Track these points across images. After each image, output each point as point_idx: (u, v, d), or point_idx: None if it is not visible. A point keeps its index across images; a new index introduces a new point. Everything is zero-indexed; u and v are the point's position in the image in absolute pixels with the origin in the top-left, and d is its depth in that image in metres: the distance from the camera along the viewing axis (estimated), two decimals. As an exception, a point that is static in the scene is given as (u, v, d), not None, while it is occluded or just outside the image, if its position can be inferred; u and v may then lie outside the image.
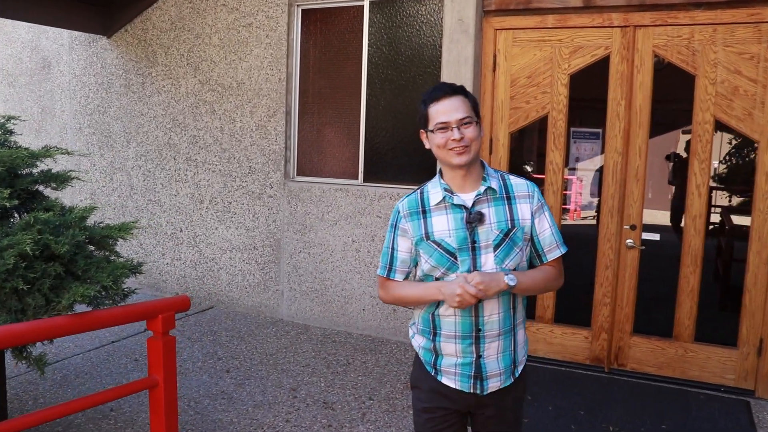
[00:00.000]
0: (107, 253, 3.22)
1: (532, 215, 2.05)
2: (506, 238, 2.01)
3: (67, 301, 2.73)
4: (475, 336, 2.03)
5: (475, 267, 1.99)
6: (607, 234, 4.55)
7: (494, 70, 4.72)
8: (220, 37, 5.64)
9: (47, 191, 3.75)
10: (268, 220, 5.56)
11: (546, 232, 2.07)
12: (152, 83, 6.07)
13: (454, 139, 1.97)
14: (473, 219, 1.99)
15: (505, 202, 2.04)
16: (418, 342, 2.15)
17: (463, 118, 1.98)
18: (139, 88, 6.16)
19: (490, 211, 2.02)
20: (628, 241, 4.47)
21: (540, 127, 4.71)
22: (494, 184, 2.04)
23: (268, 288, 5.64)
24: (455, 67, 4.70)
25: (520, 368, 2.12)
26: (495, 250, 2.00)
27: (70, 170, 3.53)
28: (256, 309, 5.72)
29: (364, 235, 5.14)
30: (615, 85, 4.42)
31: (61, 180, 3.30)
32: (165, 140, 6.06)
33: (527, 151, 5.06)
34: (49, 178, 3.30)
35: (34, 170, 3.31)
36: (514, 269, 2.02)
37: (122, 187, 6.42)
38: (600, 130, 4.66)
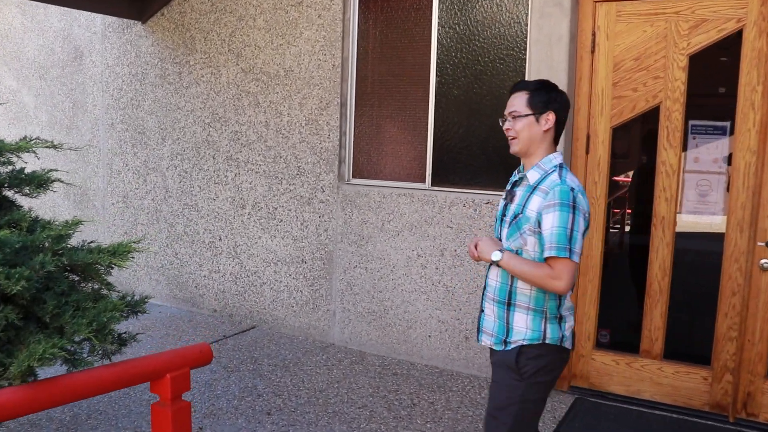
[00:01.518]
0: (97, 286, 2.48)
1: (540, 210, 2.23)
2: (514, 220, 2.32)
3: (19, 368, 1.95)
4: (483, 292, 2.49)
5: (499, 235, 2.44)
6: (734, 253, 3.80)
7: (593, 51, 4.03)
8: (265, 19, 5.11)
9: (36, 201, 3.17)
10: (319, 229, 4.99)
11: (547, 231, 2.20)
12: (190, 73, 5.59)
13: (506, 129, 2.40)
14: (506, 196, 2.44)
15: (530, 191, 2.30)
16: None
17: (512, 111, 2.36)
18: (176, 78, 5.69)
19: (518, 194, 2.35)
20: (762, 261, 3.72)
21: (648, 119, 4.00)
22: (531, 174, 2.34)
23: (317, 307, 5.07)
24: (545, 48, 4.03)
25: (511, 345, 2.33)
26: (508, 227, 2.35)
27: (50, 170, 2.85)
28: (304, 331, 5.16)
29: (432, 249, 4.51)
30: (749, 67, 3.67)
31: (38, 183, 2.64)
32: (203, 137, 5.57)
33: (633, 149, 4.34)
34: (20, 180, 2.59)
35: (3, 169, 2.64)
36: (516, 251, 2.32)
37: (156, 189, 5.96)
38: (727, 124, 3.91)
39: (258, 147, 5.25)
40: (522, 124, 2.32)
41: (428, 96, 4.54)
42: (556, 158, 2.35)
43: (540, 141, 2.34)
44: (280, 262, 5.23)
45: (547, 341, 2.30)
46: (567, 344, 2.36)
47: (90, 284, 2.43)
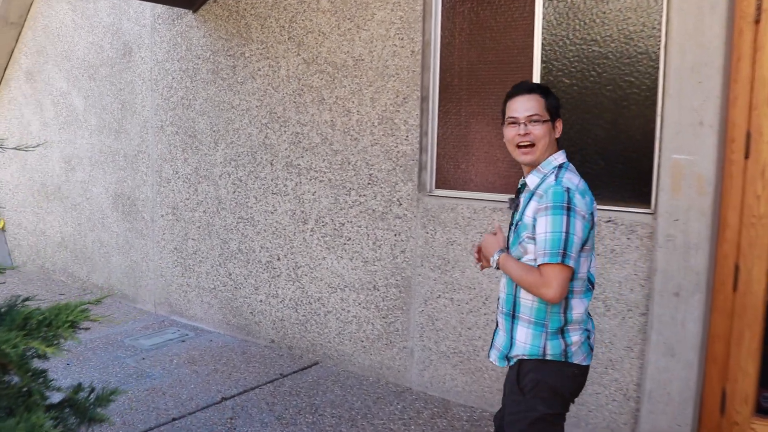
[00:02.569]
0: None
1: (534, 215, 2.16)
2: (515, 228, 2.28)
3: None
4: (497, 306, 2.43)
5: (507, 243, 2.34)
6: None
7: (757, 21, 3.11)
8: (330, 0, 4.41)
9: None
10: (395, 249, 4.23)
11: (540, 236, 2.12)
12: (245, 66, 4.96)
13: (519, 134, 2.24)
14: (509, 204, 2.41)
15: (530, 196, 2.23)
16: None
17: (531, 115, 2.22)
18: (230, 73, 5.07)
19: (521, 201, 2.30)
20: None
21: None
22: (531, 180, 2.26)
23: (392, 344, 4.30)
24: (693, 19, 3.13)
25: (512, 361, 2.27)
26: (512, 236, 2.29)
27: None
28: (375, 371, 4.40)
29: (535, 277, 3.68)
30: None
31: None
32: (260, 140, 4.92)
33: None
34: None
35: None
36: (519, 258, 2.24)
37: (208, 200, 5.36)
38: None
39: (322, 151, 4.55)
40: (543, 130, 2.24)
41: (531, 86, 3.71)
42: (557, 159, 2.28)
43: (550, 146, 2.28)
44: (347, 287, 4.50)
45: (547, 357, 2.21)
46: (576, 360, 2.23)
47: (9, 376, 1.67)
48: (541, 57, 3.67)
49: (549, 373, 2.20)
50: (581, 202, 2.12)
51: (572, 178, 2.19)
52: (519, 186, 2.35)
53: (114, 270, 6.42)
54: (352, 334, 4.51)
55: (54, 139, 7.06)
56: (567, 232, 2.07)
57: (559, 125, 2.30)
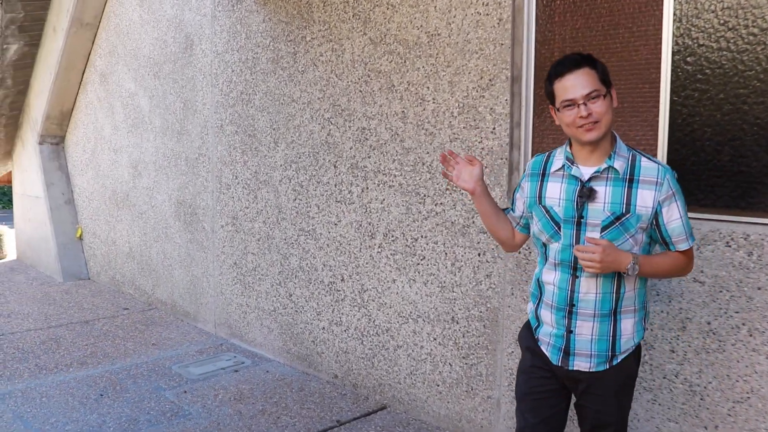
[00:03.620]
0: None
1: (658, 204, 2.02)
2: (617, 221, 2.03)
3: None
4: (569, 310, 2.12)
5: (577, 242, 2.07)
6: None
7: None
8: (403, -35, 3.66)
9: None
10: (478, 272, 3.40)
11: (675, 222, 2.03)
12: (306, 52, 4.30)
13: (581, 116, 1.99)
14: (584, 194, 2.05)
15: (626, 184, 2.03)
16: (528, 307, 2.29)
17: (590, 93, 1.98)
18: (290, 61, 4.44)
19: (606, 191, 2.04)
20: None
21: None
22: (618, 164, 2.04)
23: (473, 391, 3.47)
24: None
25: (620, 358, 2.12)
26: (602, 231, 2.04)
27: None
28: (453, 423, 3.58)
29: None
30: None
31: None
32: (322, 137, 4.24)
33: None
34: None
35: None
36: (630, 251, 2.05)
37: (268, 208, 4.74)
38: None
39: (392, 149, 3.79)
40: (605, 105, 2.00)
41: (658, 62, 2.78)
42: (619, 139, 2.10)
43: (612, 121, 2.06)
44: (421, 318, 3.71)
45: (635, 341, 2.16)
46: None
47: None
48: (673, 20, 2.74)
49: (634, 361, 2.18)
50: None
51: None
52: (594, 171, 2.04)
53: (177, 284, 5.96)
54: (425, 376, 3.71)
55: (123, 143, 6.75)
56: (686, 213, 2.08)
57: (613, 93, 2.06)
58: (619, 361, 2.11)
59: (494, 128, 3.27)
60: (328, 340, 4.32)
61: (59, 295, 6.81)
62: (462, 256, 3.47)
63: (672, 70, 2.76)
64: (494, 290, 3.32)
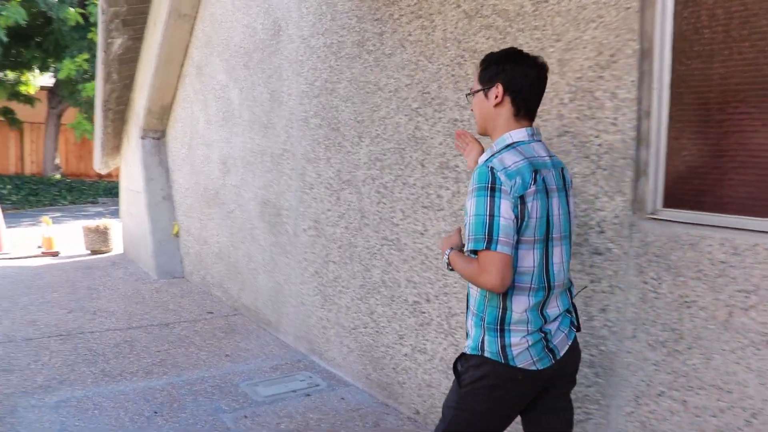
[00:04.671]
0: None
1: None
2: None
3: None
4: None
5: None
6: None
7: None
8: None
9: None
10: (590, 305, 2.70)
11: (468, 222, 1.99)
12: (393, 32, 3.76)
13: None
14: None
15: None
16: None
17: (468, 93, 2.24)
18: (377, 43, 3.91)
19: None
20: None
21: None
22: (482, 159, 2.10)
23: (581, 453, 2.77)
24: None
25: (466, 354, 2.12)
26: None
27: None
28: (555, 489, 2.90)
29: None
30: None
31: None
32: (409, 131, 3.68)
33: None
34: None
35: None
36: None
37: (351, 212, 4.25)
38: None
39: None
40: (475, 102, 2.18)
41: None
42: (513, 136, 2.08)
43: (494, 118, 2.12)
44: (517, 352, 3.06)
45: (485, 354, 2.05)
46: (521, 363, 2.01)
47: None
48: None
49: (487, 371, 2.03)
50: (507, 183, 1.94)
51: (506, 159, 1.99)
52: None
53: (260, 290, 5.62)
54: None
55: (214, 137, 6.53)
56: (491, 215, 1.92)
57: (497, 91, 2.08)
58: (464, 354, 2.14)
59: (616, 118, 2.56)
60: (411, 369, 3.76)
61: (149, 294, 6.70)
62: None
63: None
64: (610, 329, 2.61)
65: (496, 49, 3.15)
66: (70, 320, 5.61)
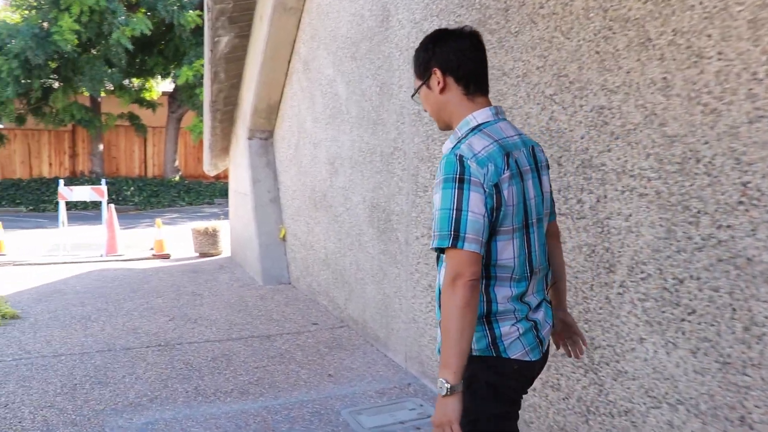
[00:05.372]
0: None
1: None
2: None
3: None
4: None
5: None
6: None
7: None
8: None
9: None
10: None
11: (434, 216, 1.83)
12: (521, 5, 3.19)
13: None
14: None
15: None
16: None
17: (413, 95, 2.06)
18: (501, 20, 3.36)
19: None
20: None
21: None
22: (445, 147, 1.95)
23: None
24: None
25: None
26: None
27: None
28: None
29: None
30: None
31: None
32: (542, 123, 3.11)
33: None
34: None
35: None
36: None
37: (469, 219, 3.72)
38: None
39: (646, 138, 2.54)
40: (423, 99, 2.04)
41: None
42: (475, 118, 1.93)
43: (446, 106, 1.98)
44: (683, 405, 2.40)
45: (474, 353, 1.87)
46: (514, 354, 1.89)
47: None
48: None
49: (482, 369, 1.89)
50: (479, 172, 1.78)
51: (475, 144, 1.83)
52: None
53: (368, 302, 5.19)
54: (691, 496, 2.40)
55: (321, 136, 6.19)
56: (459, 209, 1.75)
57: (436, 77, 1.95)
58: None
59: (842, 97, 1.89)
60: (540, 407, 3.17)
61: (253, 301, 6.46)
62: (764, 317, 2.12)
63: None
64: None
65: (657, 15, 2.53)
66: (170, 329, 5.43)
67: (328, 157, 6.02)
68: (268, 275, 7.39)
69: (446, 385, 1.70)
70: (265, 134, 7.89)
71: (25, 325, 5.56)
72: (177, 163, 22.25)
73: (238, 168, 8.62)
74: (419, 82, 2.00)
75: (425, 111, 2.12)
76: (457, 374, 1.70)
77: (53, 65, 17.42)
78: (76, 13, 16.14)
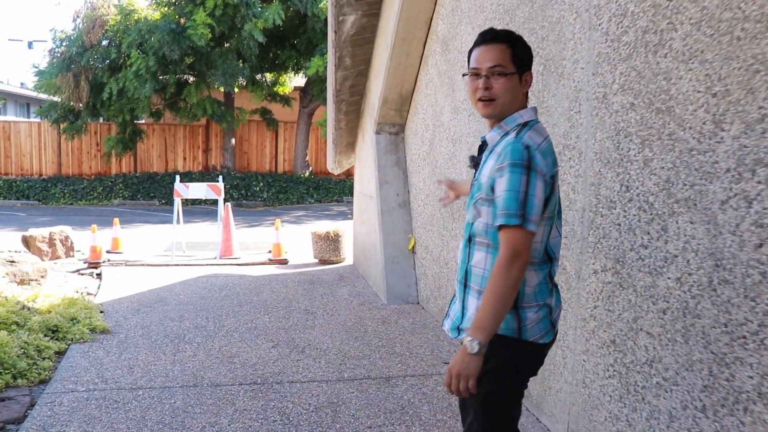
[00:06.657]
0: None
1: (492, 175, 2.03)
2: (472, 188, 2.19)
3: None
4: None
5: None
6: None
7: None
8: None
9: None
10: None
11: (499, 197, 1.99)
12: None
13: (480, 87, 2.11)
14: (470, 163, 2.30)
15: (488, 154, 2.12)
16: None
17: (494, 66, 2.08)
18: None
19: (482, 160, 2.18)
20: None
21: None
22: (491, 137, 2.15)
23: None
24: None
25: (463, 333, 2.14)
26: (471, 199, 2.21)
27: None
28: None
29: None
30: None
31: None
32: (711, 119, 1.84)
33: None
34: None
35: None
36: (472, 224, 2.14)
37: (691, 254, 2.49)
38: None
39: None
40: (507, 84, 2.10)
41: None
42: (523, 116, 2.15)
43: (516, 101, 2.14)
44: None
45: (498, 332, 2.02)
46: (532, 337, 2.09)
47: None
48: None
49: (500, 349, 2.04)
50: (541, 162, 1.99)
51: (534, 137, 2.06)
52: (481, 142, 2.24)
53: (517, 345, 4.04)
54: None
55: (462, 131, 5.09)
56: (527, 193, 1.94)
57: (528, 78, 2.16)
58: (461, 336, 2.10)
59: None
60: None
61: (373, 326, 5.48)
62: None
63: None
64: None
65: None
66: (271, 360, 4.55)
67: (469, 156, 4.92)
68: (392, 293, 6.40)
69: (477, 344, 1.90)
70: (395, 128, 6.90)
71: (113, 342, 4.90)
72: (308, 158, 21.96)
73: (364, 167, 7.71)
74: (513, 70, 2.07)
75: (482, 93, 2.10)
76: (489, 339, 1.91)
77: (188, 60, 17.51)
78: (211, 7, 16.05)
